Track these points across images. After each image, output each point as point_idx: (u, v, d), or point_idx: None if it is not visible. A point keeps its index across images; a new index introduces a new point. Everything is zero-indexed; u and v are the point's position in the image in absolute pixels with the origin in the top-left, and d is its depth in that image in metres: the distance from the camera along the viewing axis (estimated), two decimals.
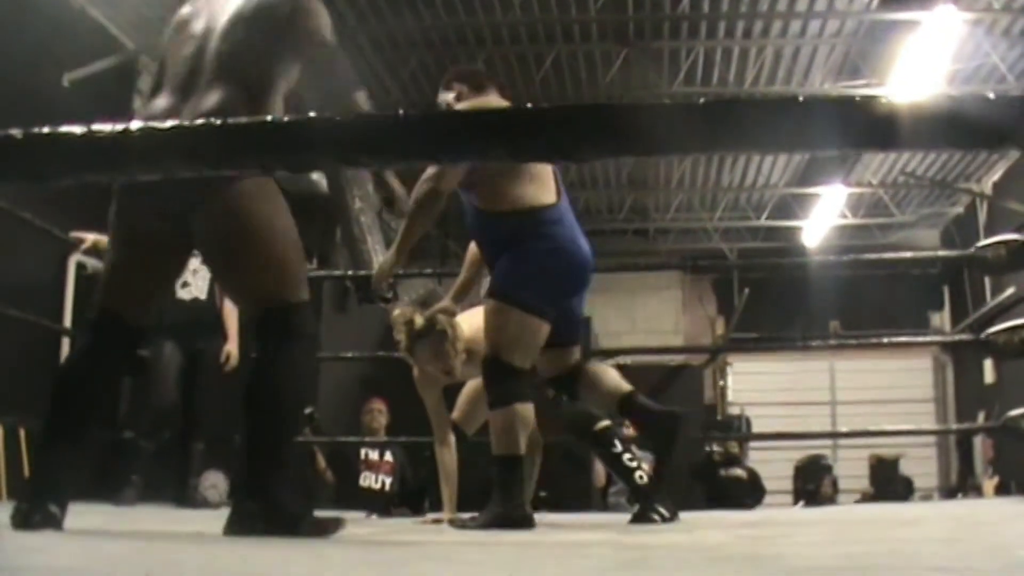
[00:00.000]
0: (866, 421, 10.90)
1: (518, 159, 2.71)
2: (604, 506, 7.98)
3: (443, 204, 3.56)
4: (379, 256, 6.40)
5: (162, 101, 2.72)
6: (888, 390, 13.77)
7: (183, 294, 5.70)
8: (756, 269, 14.11)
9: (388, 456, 6.97)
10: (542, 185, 3.56)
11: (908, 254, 10.37)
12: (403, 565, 1.83)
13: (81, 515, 2.58)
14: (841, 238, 13.62)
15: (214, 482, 5.91)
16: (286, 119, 1.20)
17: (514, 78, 10.31)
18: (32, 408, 6.29)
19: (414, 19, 9.19)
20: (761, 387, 14.23)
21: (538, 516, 3.53)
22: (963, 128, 1.16)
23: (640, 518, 3.66)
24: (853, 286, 13.09)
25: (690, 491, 9.48)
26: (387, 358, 7.17)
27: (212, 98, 2.62)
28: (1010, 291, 11.13)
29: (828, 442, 12.97)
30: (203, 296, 5.80)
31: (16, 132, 1.19)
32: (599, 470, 7.93)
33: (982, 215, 12.49)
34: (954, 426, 13.59)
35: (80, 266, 7.12)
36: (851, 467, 12.72)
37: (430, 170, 3.52)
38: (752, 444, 13.01)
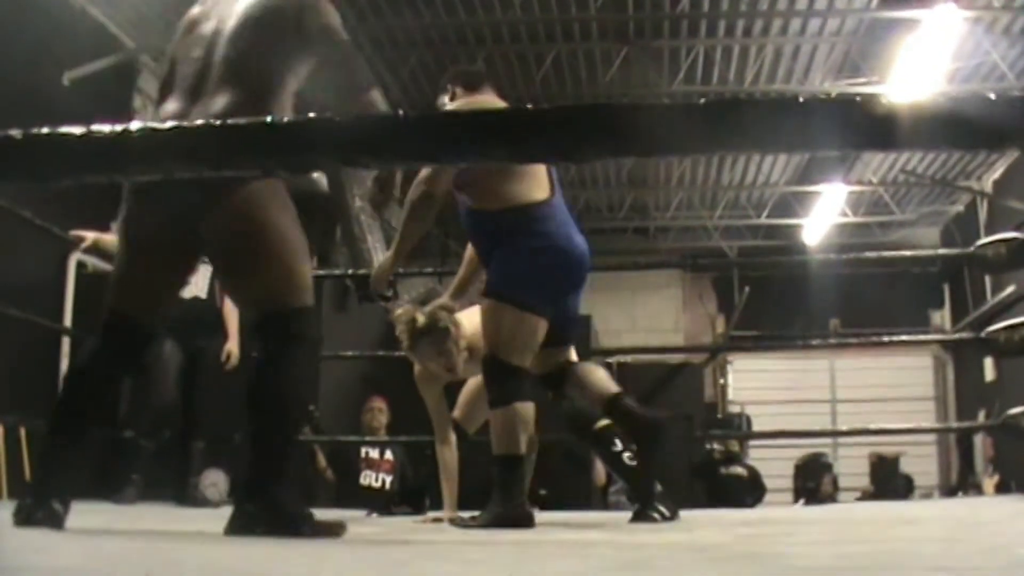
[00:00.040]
0: (866, 419, 10.90)
1: (518, 160, 2.72)
2: (604, 505, 7.98)
3: (438, 206, 3.58)
4: (379, 255, 6.40)
5: (171, 105, 2.72)
6: (888, 388, 13.78)
7: (183, 293, 5.69)
8: (756, 267, 14.10)
9: (388, 455, 6.97)
10: (534, 182, 3.55)
11: (908, 252, 10.37)
12: (403, 564, 1.83)
13: (81, 514, 2.58)
14: (841, 236, 13.62)
15: (214, 480, 5.91)
16: (286, 120, 1.20)
17: (514, 77, 10.31)
18: (32, 407, 6.31)
19: (414, 18, 9.19)
20: (761, 385, 14.22)
21: (538, 515, 3.53)
22: (964, 128, 1.16)
23: (640, 517, 3.66)
24: (853, 284, 13.08)
25: (690, 489, 9.47)
26: (387, 357, 7.17)
27: (220, 100, 2.62)
28: (1010, 289, 11.13)
29: (828, 440, 12.96)
30: (203, 295, 5.79)
31: (16, 133, 1.18)
32: (599, 469, 7.93)
33: (982, 213, 12.49)
34: (954, 424, 13.58)
35: (80, 265, 7.11)
36: (851, 465, 12.73)
37: (423, 173, 3.54)
38: (752, 442, 13.02)
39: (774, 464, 11.81)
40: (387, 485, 6.88)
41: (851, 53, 9.79)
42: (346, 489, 6.85)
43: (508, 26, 9.48)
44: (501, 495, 3.40)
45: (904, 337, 9.45)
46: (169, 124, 1.21)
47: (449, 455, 4.22)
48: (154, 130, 1.20)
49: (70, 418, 2.62)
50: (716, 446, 10.30)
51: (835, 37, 9.62)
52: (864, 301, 13.34)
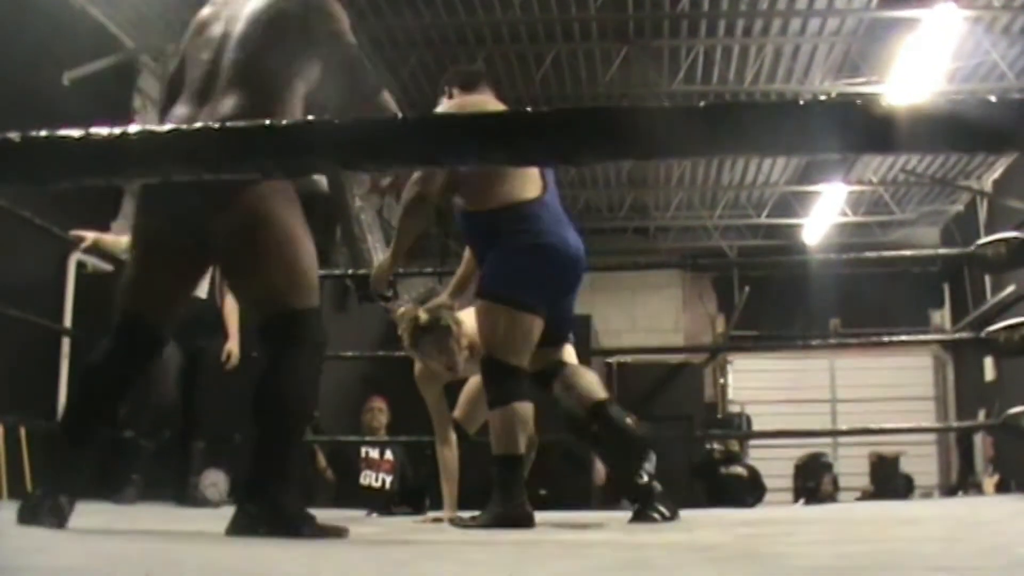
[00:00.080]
0: (866, 419, 10.87)
1: (518, 162, 2.72)
2: (604, 505, 7.98)
3: (431, 206, 3.60)
4: (379, 255, 6.40)
5: (180, 109, 2.74)
6: (888, 388, 13.78)
7: None
8: (756, 267, 14.11)
9: (388, 455, 6.97)
10: (525, 180, 3.54)
11: (908, 252, 10.36)
12: (404, 564, 1.83)
13: (82, 514, 2.59)
14: (841, 236, 13.62)
15: (214, 480, 5.91)
16: (285, 122, 1.20)
17: (514, 77, 10.32)
18: (32, 407, 6.31)
19: (414, 18, 9.19)
20: (761, 385, 14.23)
21: (538, 515, 3.53)
22: (963, 131, 1.16)
23: (640, 517, 3.66)
24: (853, 284, 13.09)
25: (690, 489, 9.48)
26: (387, 357, 7.17)
27: (228, 103, 2.63)
28: (1010, 289, 11.13)
29: (828, 440, 12.97)
30: (203, 295, 5.79)
31: (14, 135, 1.18)
32: (599, 469, 7.93)
33: (982, 213, 12.49)
34: (954, 424, 13.57)
35: (80, 265, 7.11)
36: (851, 465, 12.74)
37: (415, 175, 3.54)
38: (752, 442, 13.02)
39: (774, 464, 11.82)
40: (387, 485, 6.88)
41: (851, 53, 9.79)
42: (346, 489, 6.85)
43: (508, 26, 9.48)
44: (501, 495, 3.40)
45: (904, 337, 9.46)
46: (168, 127, 1.21)
47: (449, 455, 4.22)
48: (153, 133, 1.20)
49: (82, 417, 2.65)
50: (716, 446, 10.31)
51: (835, 37, 9.62)
52: (864, 301, 13.35)
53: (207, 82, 2.71)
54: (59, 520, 2.45)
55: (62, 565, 1.56)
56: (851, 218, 13.55)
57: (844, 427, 12.07)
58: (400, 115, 1.13)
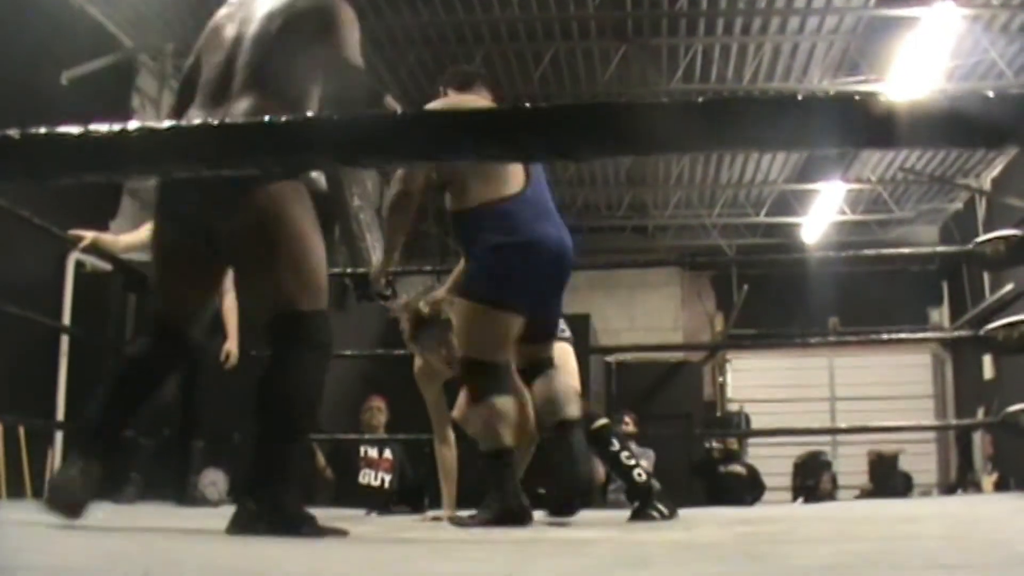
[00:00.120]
0: (865, 417, 10.91)
1: (516, 159, 2.72)
2: (603, 504, 7.98)
3: (416, 203, 3.62)
4: (378, 253, 6.41)
5: (195, 111, 2.77)
6: (887, 386, 13.78)
7: None
8: (755, 265, 14.10)
9: (387, 453, 6.96)
10: (505, 177, 3.54)
11: (907, 250, 10.39)
12: (403, 563, 1.83)
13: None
14: (840, 234, 13.62)
15: (214, 479, 5.90)
16: (283, 119, 1.20)
17: (512, 76, 10.32)
18: (32, 407, 6.31)
19: (412, 16, 9.19)
20: (760, 383, 14.23)
21: (537, 513, 3.53)
22: (962, 127, 1.16)
23: (639, 515, 3.66)
24: (852, 282, 13.09)
25: (689, 488, 9.49)
26: (387, 356, 7.17)
27: (243, 105, 2.65)
28: (1009, 287, 11.13)
29: (827, 438, 12.98)
30: None
31: (14, 132, 1.18)
32: (598, 468, 7.93)
33: (981, 211, 12.49)
34: (953, 422, 13.59)
35: (79, 264, 7.11)
36: (850, 463, 12.74)
37: (398, 173, 3.57)
38: (751, 440, 13.02)
39: (773, 462, 11.82)
40: (386, 484, 6.88)
41: (850, 51, 9.79)
42: (345, 488, 6.84)
43: (506, 24, 9.48)
44: (495, 491, 3.41)
45: (903, 335, 9.48)
46: (167, 124, 1.21)
47: (448, 454, 4.22)
48: (152, 130, 1.20)
49: (118, 411, 2.72)
50: (715, 444, 10.31)
51: (833, 35, 9.62)
52: (863, 299, 13.35)
53: (221, 84, 2.73)
54: (88, 486, 2.54)
55: (62, 564, 1.56)
56: (850, 216, 13.55)
57: (843, 425, 12.07)
58: (397, 111, 1.12)
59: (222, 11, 2.93)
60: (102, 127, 1.17)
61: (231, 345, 5.84)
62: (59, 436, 6.71)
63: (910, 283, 14.03)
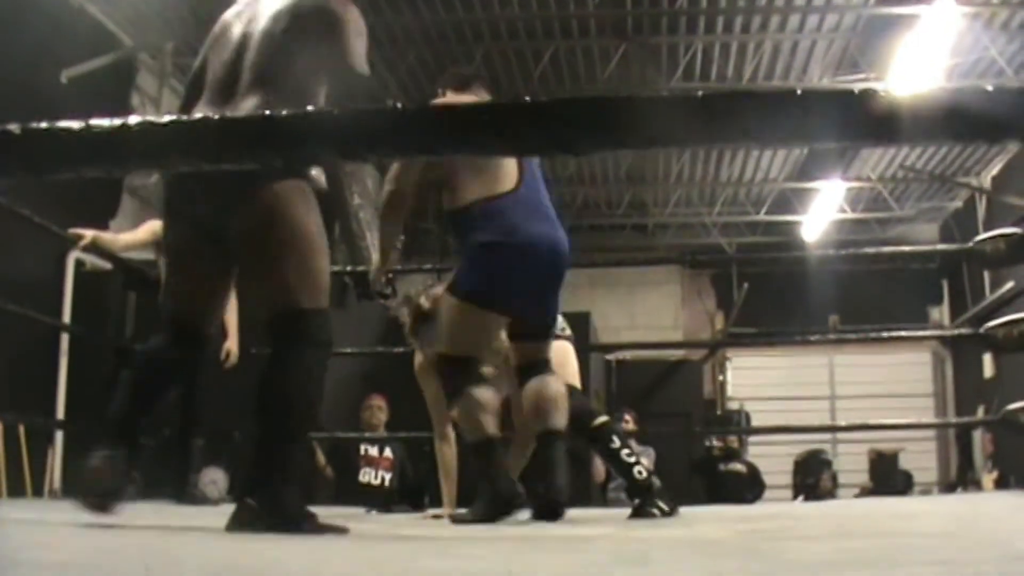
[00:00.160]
0: (865, 415, 10.89)
1: (516, 152, 2.73)
2: (604, 502, 7.99)
3: (409, 203, 3.64)
4: (378, 252, 6.42)
5: (202, 110, 2.78)
6: (887, 384, 13.78)
7: None
8: (755, 264, 14.12)
9: (388, 452, 6.96)
10: (494, 176, 3.54)
11: (907, 248, 10.39)
12: (403, 560, 1.83)
13: (82, 511, 2.59)
14: (840, 233, 13.62)
15: (214, 478, 5.90)
16: (283, 113, 1.20)
17: (512, 74, 10.31)
18: (31, 405, 6.31)
19: (412, 15, 9.19)
20: (760, 382, 14.24)
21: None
22: (963, 120, 1.16)
23: (640, 513, 3.67)
24: (852, 281, 13.09)
25: (690, 486, 9.50)
26: (387, 354, 7.17)
27: (249, 103, 2.66)
28: (1009, 285, 11.14)
29: (827, 436, 12.99)
30: None
31: (14, 127, 1.18)
32: (598, 466, 7.94)
33: (981, 209, 12.49)
34: (953, 420, 13.59)
35: (79, 263, 7.11)
36: (850, 462, 12.75)
37: (390, 173, 3.60)
38: (751, 439, 13.02)
39: (773, 460, 11.82)
40: (386, 483, 6.88)
41: (849, 49, 9.79)
42: (345, 487, 6.85)
43: (506, 23, 9.48)
44: (485, 480, 3.42)
45: (903, 333, 9.47)
46: (167, 118, 1.21)
47: (448, 452, 4.23)
48: (152, 124, 1.20)
49: (139, 404, 2.77)
50: (715, 443, 10.32)
51: (833, 33, 9.62)
52: (863, 297, 13.36)
53: (228, 83, 2.74)
54: (117, 470, 2.61)
55: (63, 560, 1.56)
56: (850, 215, 13.55)
57: (843, 423, 12.07)
58: (398, 105, 1.13)
59: (230, 11, 2.94)
60: (103, 122, 1.17)
61: (231, 344, 5.84)
62: (59, 435, 6.72)
63: (910, 281, 14.03)
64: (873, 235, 13.71)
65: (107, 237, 5.93)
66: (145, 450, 5.68)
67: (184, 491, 5.80)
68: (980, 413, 11.69)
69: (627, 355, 11.40)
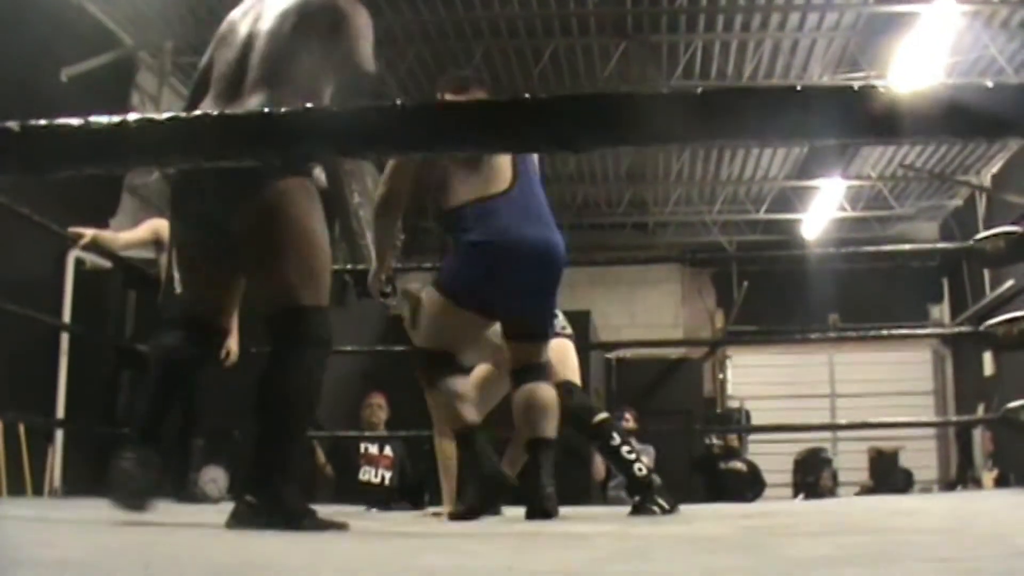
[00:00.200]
0: (865, 414, 10.91)
1: (515, 149, 2.73)
2: (604, 500, 8.00)
3: (401, 203, 3.66)
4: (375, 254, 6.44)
5: (208, 107, 2.79)
6: (887, 383, 13.79)
7: (181, 289, 5.68)
8: (755, 262, 14.12)
9: (388, 450, 6.97)
10: (488, 178, 3.55)
11: (907, 247, 10.38)
12: (404, 556, 1.83)
13: (82, 509, 2.60)
14: (840, 231, 13.62)
15: (214, 477, 5.91)
16: (283, 110, 1.20)
17: (512, 72, 10.31)
18: (31, 404, 6.30)
19: (412, 13, 9.19)
20: (760, 380, 14.24)
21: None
22: (963, 118, 1.16)
23: (640, 510, 3.67)
24: (852, 279, 13.09)
25: (690, 484, 9.50)
26: (387, 352, 7.17)
27: (255, 100, 2.66)
28: (1009, 283, 11.14)
29: (828, 435, 12.99)
30: None
31: (13, 125, 1.19)
32: (599, 464, 7.95)
33: (981, 208, 12.49)
34: (953, 418, 13.59)
35: (79, 262, 7.11)
36: (851, 460, 12.74)
37: (383, 176, 3.63)
38: (752, 437, 13.01)
39: (773, 459, 11.82)
40: (386, 481, 6.88)
41: (849, 47, 9.79)
42: (345, 485, 6.85)
43: (506, 21, 9.48)
44: (471, 467, 3.44)
45: (903, 331, 9.48)
46: (167, 115, 1.21)
47: (448, 449, 4.22)
48: (152, 121, 1.20)
49: (163, 401, 2.81)
50: (715, 441, 10.31)
51: (833, 32, 9.62)
52: (863, 295, 13.36)
53: (234, 80, 2.75)
54: (148, 469, 2.62)
55: (64, 558, 1.56)
56: (850, 213, 13.55)
57: (843, 422, 12.08)
58: (398, 102, 1.13)
59: (237, 9, 2.95)
60: (102, 119, 1.17)
61: (231, 342, 5.83)
62: (59, 434, 6.72)
63: (910, 279, 14.03)
64: (873, 233, 13.71)
65: (107, 236, 5.93)
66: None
67: (184, 490, 5.81)
68: (980, 411, 11.69)
69: (627, 353, 11.40)
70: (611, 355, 11.02)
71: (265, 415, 2.59)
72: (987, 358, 12.15)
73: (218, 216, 2.66)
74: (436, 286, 3.58)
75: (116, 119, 1.17)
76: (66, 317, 6.88)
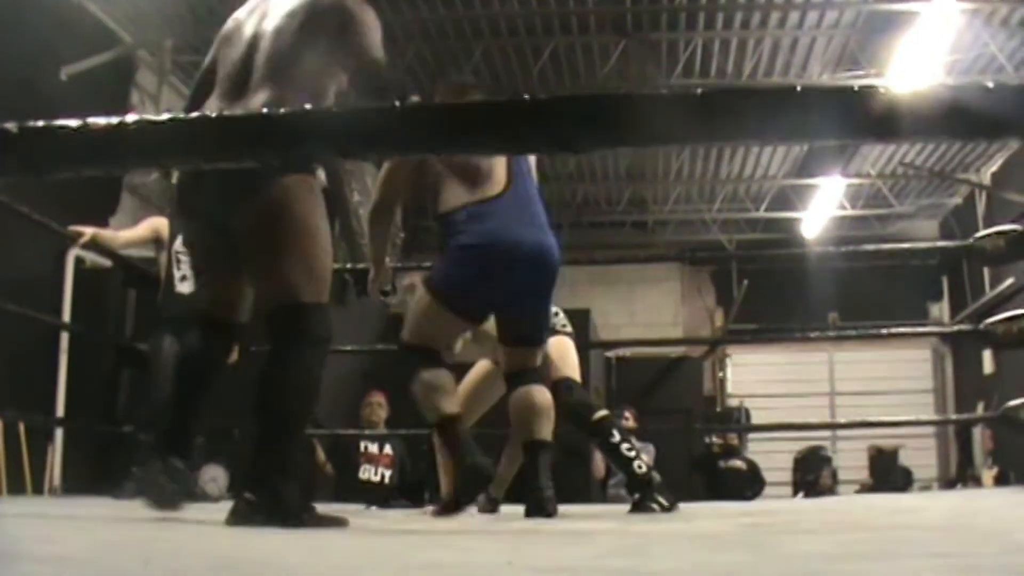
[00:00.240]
0: (865, 412, 10.92)
1: (515, 150, 2.73)
2: (604, 498, 7.99)
3: (395, 206, 3.72)
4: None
5: (213, 106, 2.79)
6: (887, 381, 13.79)
7: (182, 288, 5.68)
8: (755, 261, 14.12)
9: (388, 449, 6.97)
10: (481, 181, 3.55)
11: (907, 245, 10.38)
12: (403, 553, 1.83)
13: (82, 507, 2.61)
14: (840, 229, 13.62)
15: (214, 475, 5.91)
16: (282, 111, 1.20)
17: (512, 71, 10.31)
18: (31, 403, 6.31)
19: (411, 12, 9.19)
20: (760, 378, 14.24)
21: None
22: (962, 118, 1.16)
23: (639, 507, 3.67)
24: (852, 277, 13.09)
25: (690, 483, 9.50)
26: (387, 351, 7.15)
27: (260, 99, 2.67)
28: (1009, 281, 11.14)
29: (827, 433, 12.99)
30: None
31: (12, 126, 1.19)
32: (598, 462, 7.94)
33: (981, 206, 12.49)
34: (953, 417, 13.60)
35: (79, 260, 7.11)
36: (850, 458, 12.75)
37: (377, 181, 3.68)
38: (751, 436, 13.02)
39: (773, 457, 11.83)
40: (386, 479, 6.89)
41: (849, 46, 9.79)
42: (345, 483, 6.85)
43: (505, 19, 9.48)
44: (453, 457, 3.45)
45: (903, 330, 9.48)
46: (166, 116, 1.21)
47: None
48: (151, 122, 1.20)
49: (187, 401, 2.88)
50: (715, 439, 10.31)
51: (833, 30, 9.62)
52: (863, 294, 13.36)
53: (240, 79, 2.76)
54: (179, 482, 2.68)
55: (64, 554, 1.56)
56: (849, 211, 13.55)
57: (843, 420, 12.09)
58: (397, 103, 1.13)
59: (241, 8, 2.96)
60: (100, 120, 1.18)
61: None
62: (59, 432, 6.72)
63: (910, 278, 14.03)
64: (873, 232, 13.71)
65: (107, 234, 5.93)
66: (144, 447, 5.71)
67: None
68: (980, 409, 11.70)
69: (627, 352, 11.38)
70: (611, 354, 11.00)
71: (265, 413, 2.60)
72: (987, 356, 12.16)
73: (223, 214, 2.67)
74: (427, 285, 3.59)
75: (115, 120, 1.17)
76: (66, 316, 6.88)
